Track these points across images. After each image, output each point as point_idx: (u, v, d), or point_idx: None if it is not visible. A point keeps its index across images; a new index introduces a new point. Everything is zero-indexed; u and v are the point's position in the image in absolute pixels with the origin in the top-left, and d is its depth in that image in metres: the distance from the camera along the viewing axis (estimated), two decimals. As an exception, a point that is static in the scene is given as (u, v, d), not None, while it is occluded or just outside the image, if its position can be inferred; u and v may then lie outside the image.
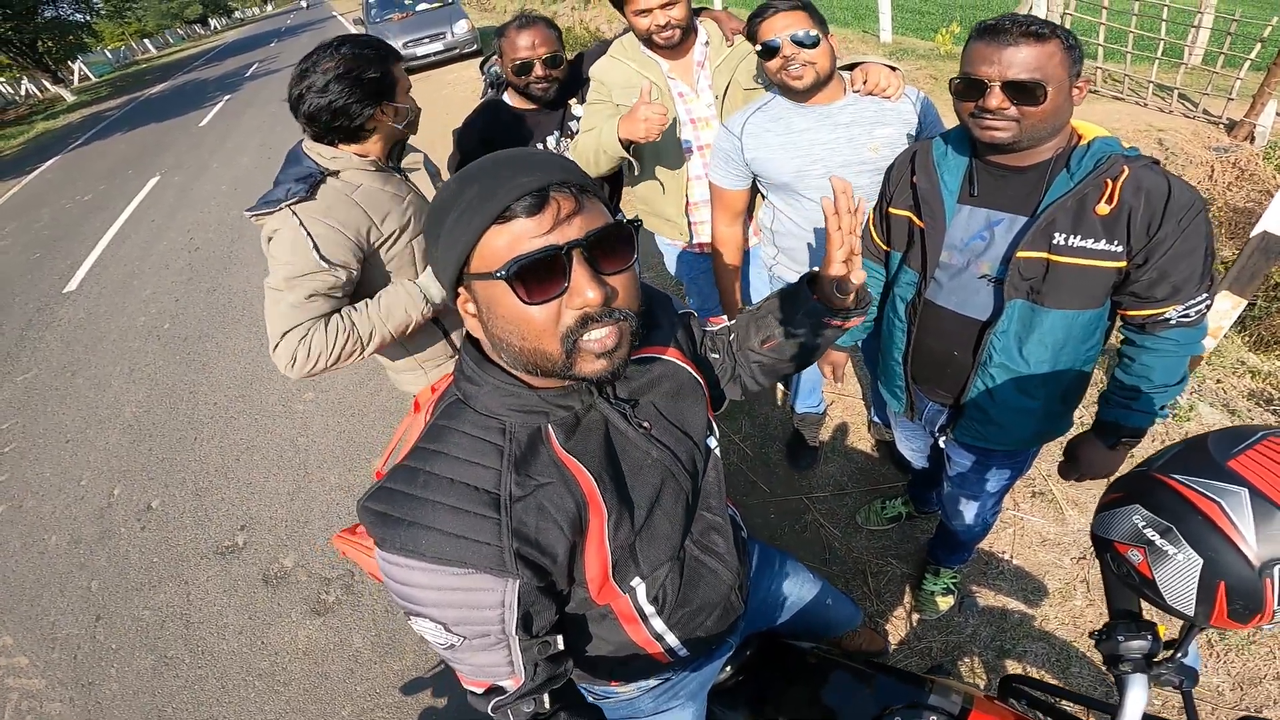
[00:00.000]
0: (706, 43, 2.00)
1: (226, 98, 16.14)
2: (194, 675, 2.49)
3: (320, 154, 1.57)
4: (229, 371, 4.44)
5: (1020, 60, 1.11)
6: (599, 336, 0.71)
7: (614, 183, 2.40)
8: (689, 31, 1.94)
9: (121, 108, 19.28)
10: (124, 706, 2.44)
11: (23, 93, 28.32)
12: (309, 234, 1.49)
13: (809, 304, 1.03)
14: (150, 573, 2.99)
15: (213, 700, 2.39)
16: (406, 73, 1.65)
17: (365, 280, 1.65)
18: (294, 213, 1.50)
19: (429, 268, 1.76)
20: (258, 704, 2.35)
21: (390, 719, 2.21)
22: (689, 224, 2.23)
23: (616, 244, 0.72)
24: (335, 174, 1.58)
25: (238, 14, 74.21)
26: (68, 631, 2.79)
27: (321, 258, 1.49)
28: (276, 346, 1.49)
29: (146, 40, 48.80)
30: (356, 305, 1.59)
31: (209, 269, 6.13)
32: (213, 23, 63.30)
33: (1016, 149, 1.21)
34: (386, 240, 1.63)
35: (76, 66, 31.98)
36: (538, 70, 2.06)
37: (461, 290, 0.75)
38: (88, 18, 33.10)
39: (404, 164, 1.76)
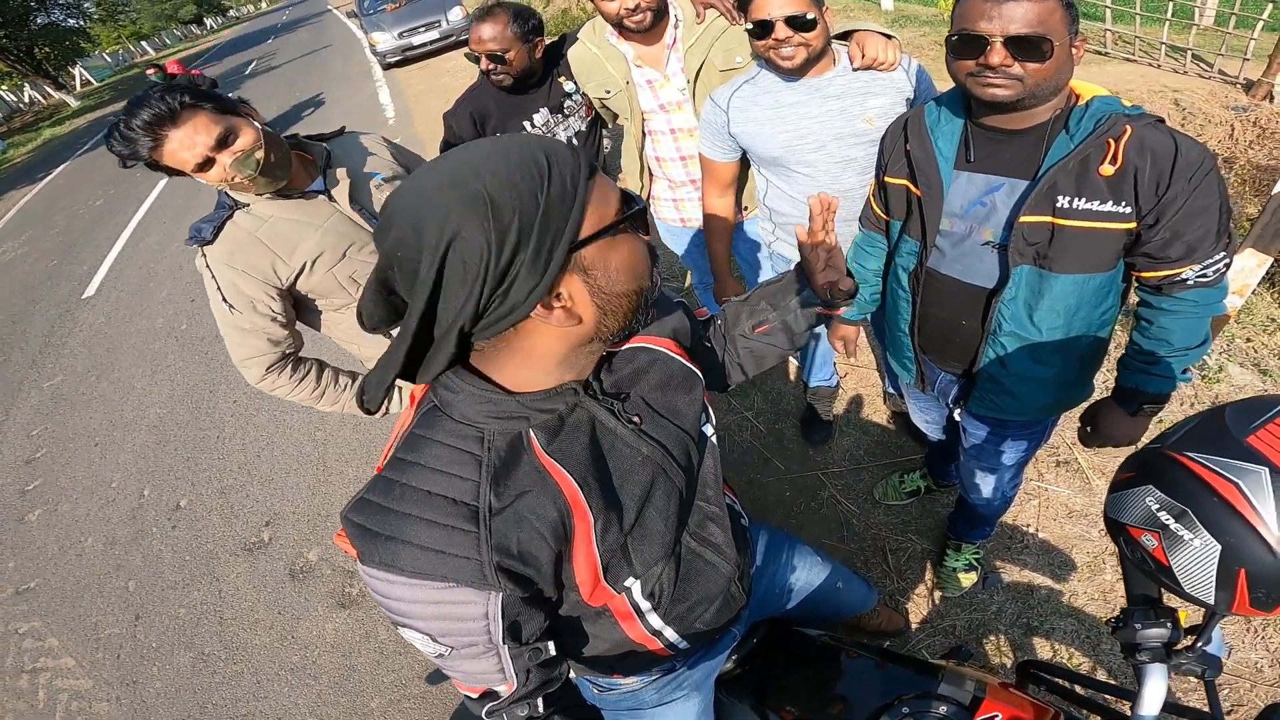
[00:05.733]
0: (678, 24, 1.94)
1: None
2: (230, 671, 2.55)
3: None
4: (246, 370, 4.48)
5: (1021, 15, 1.06)
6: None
7: None
8: (661, 14, 1.87)
9: (127, 110, 19.35)
10: (167, 704, 2.51)
11: (26, 100, 28.54)
12: (214, 277, 1.54)
13: (803, 292, 1.06)
14: (183, 571, 3.06)
15: (249, 695, 2.45)
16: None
17: (300, 308, 1.73)
18: (204, 254, 1.54)
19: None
20: (291, 698, 2.40)
21: (417, 709, 2.25)
22: (673, 200, 2.29)
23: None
24: (245, 206, 1.55)
25: (232, 12, 73.69)
26: (110, 632, 2.87)
27: (224, 300, 1.54)
28: (240, 367, 1.66)
29: (144, 42, 48.75)
30: (339, 379, 1.80)
31: (221, 268, 6.17)
32: (208, 22, 62.86)
33: (1019, 108, 1.16)
34: (299, 272, 1.60)
35: (77, 72, 32.04)
36: (484, 63, 2.09)
37: (564, 283, 0.68)
38: (80, 22, 33.08)
39: (330, 185, 1.64)
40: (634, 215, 0.72)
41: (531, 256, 0.64)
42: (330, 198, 1.64)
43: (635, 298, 0.74)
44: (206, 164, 1.41)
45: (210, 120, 1.40)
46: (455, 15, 11.39)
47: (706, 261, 2.61)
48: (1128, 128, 1.10)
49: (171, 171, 1.44)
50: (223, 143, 1.41)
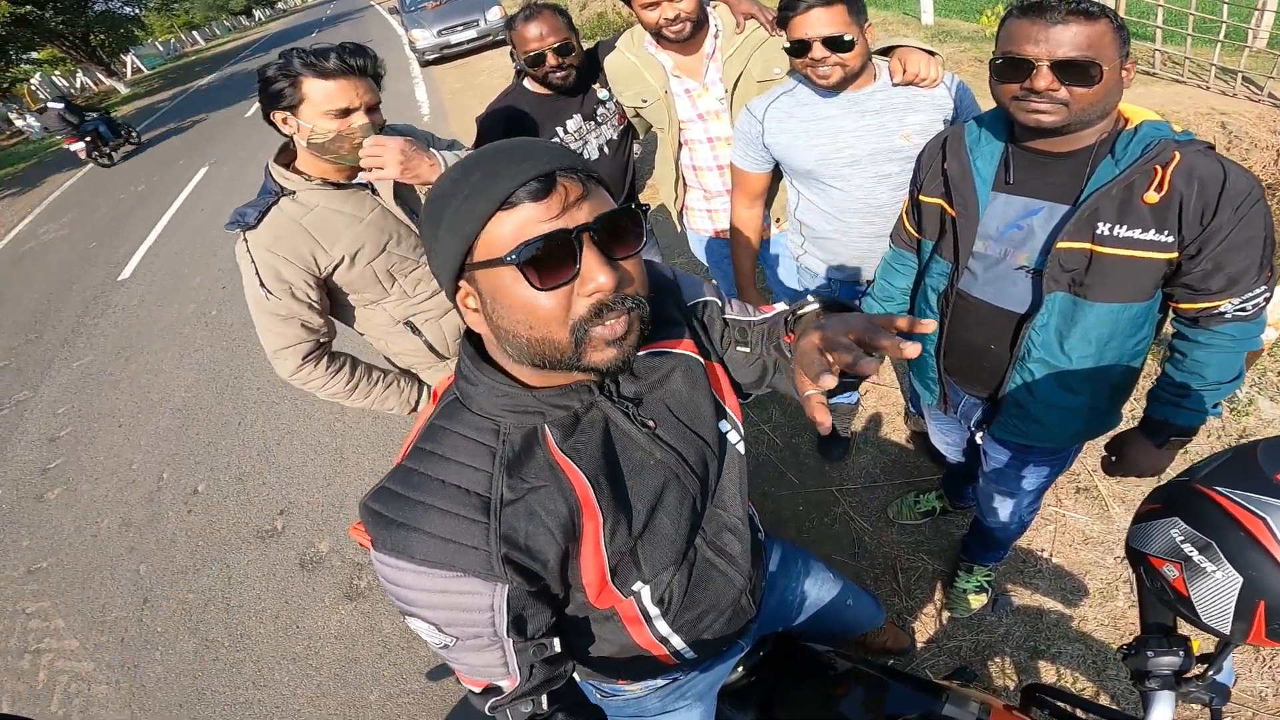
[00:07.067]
0: (718, 34, 1.94)
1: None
2: (233, 658, 2.57)
3: (279, 173, 1.57)
4: (271, 358, 4.55)
5: (1070, 38, 1.03)
6: (610, 323, 0.69)
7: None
8: (700, 24, 1.87)
9: (173, 99, 19.92)
10: (166, 689, 2.53)
11: (78, 86, 29.40)
12: (254, 262, 1.54)
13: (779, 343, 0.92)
14: (195, 556, 3.09)
15: (249, 683, 2.46)
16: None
17: (333, 301, 1.71)
18: (245, 239, 1.55)
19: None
20: (290, 687, 2.41)
21: (415, 704, 2.25)
22: (707, 210, 2.28)
23: (626, 228, 0.70)
24: (292, 194, 1.57)
25: (280, 5, 75.69)
26: (116, 615, 2.90)
27: (262, 285, 1.54)
28: (274, 358, 1.65)
29: (195, 32, 50.12)
30: (372, 374, 1.79)
31: (252, 258, 6.29)
32: (257, 14, 64.59)
33: (1063, 133, 1.13)
34: (338, 264, 1.61)
35: (129, 59, 32.96)
36: (550, 60, 2.04)
37: (462, 284, 0.72)
38: (137, 10, 34.00)
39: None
40: (524, 262, 0.65)
41: (442, 241, 0.70)
42: (373, 190, 1.66)
43: (528, 345, 0.71)
44: (348, 112, 1.49)
45: (374, 89, 1.56)
46: (494, 15, 11.56)
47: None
48: (1176, 154, 1.07)
49: (278, 108, 1.48)
50: (372, 109, 1.53)
